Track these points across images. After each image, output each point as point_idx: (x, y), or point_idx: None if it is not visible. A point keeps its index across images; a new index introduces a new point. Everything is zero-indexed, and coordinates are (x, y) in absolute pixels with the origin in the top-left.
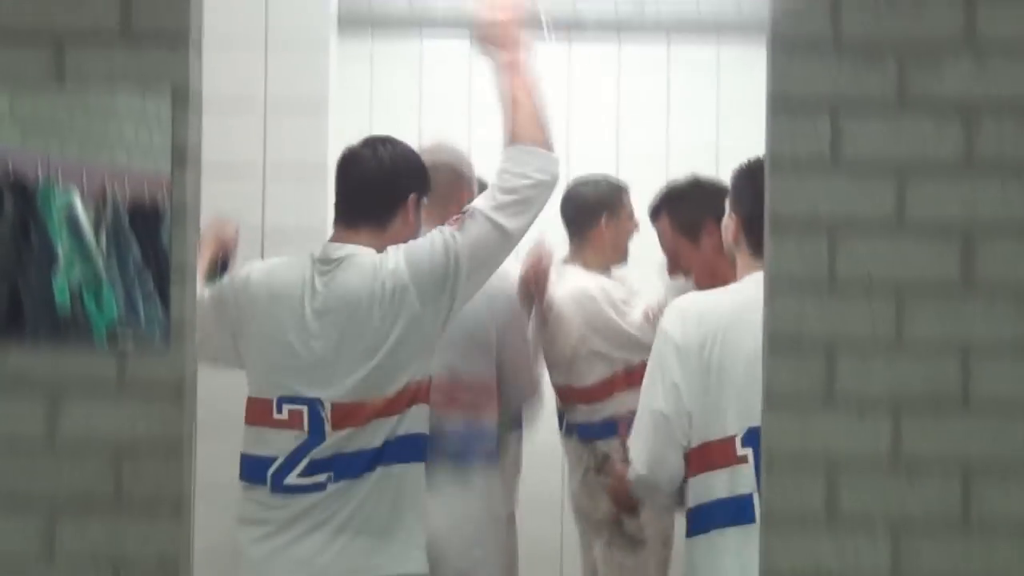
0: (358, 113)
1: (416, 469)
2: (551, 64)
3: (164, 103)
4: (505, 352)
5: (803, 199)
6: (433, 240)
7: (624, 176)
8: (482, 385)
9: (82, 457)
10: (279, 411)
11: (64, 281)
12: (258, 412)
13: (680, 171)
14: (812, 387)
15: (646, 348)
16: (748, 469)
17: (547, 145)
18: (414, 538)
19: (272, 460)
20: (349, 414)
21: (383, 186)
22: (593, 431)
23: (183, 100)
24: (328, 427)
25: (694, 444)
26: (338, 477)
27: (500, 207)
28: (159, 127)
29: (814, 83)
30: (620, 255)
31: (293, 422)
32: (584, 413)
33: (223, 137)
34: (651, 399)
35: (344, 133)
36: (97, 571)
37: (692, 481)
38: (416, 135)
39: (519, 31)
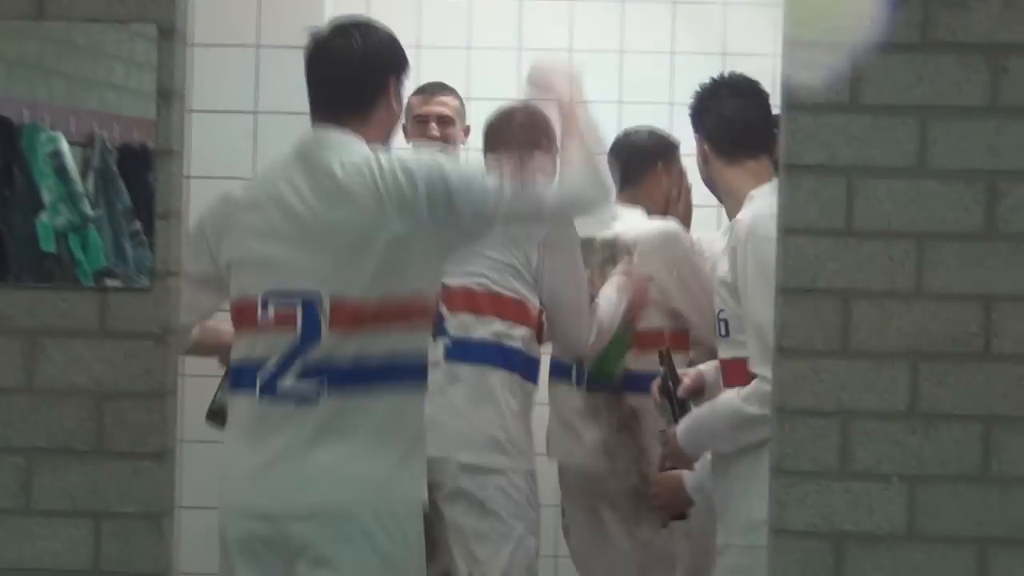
0: None
1: (417, 398)
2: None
3: (151, 43)
4: (547, 278)
5: (820, 141)
6: (484, 176)
7: None
8: (515, 302)
9: (62, 402)
10: (264, 309)
11: (49, 225)
12: (243, 316)
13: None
14: (827, 336)
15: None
16: None
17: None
18: (413, 466)
19: (262, 362)
20: (348, 312)
21: (363, 76)
22: (633, 383)
23: (168, 39)
24: (324, 326)
25: None
26: (332, 388)
27: (552, 200)
28: (147, 68)
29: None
30: (675, 209)
31: (283, 321)
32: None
33: (213, 80)
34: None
35: None
36: (76, 522)
37: None
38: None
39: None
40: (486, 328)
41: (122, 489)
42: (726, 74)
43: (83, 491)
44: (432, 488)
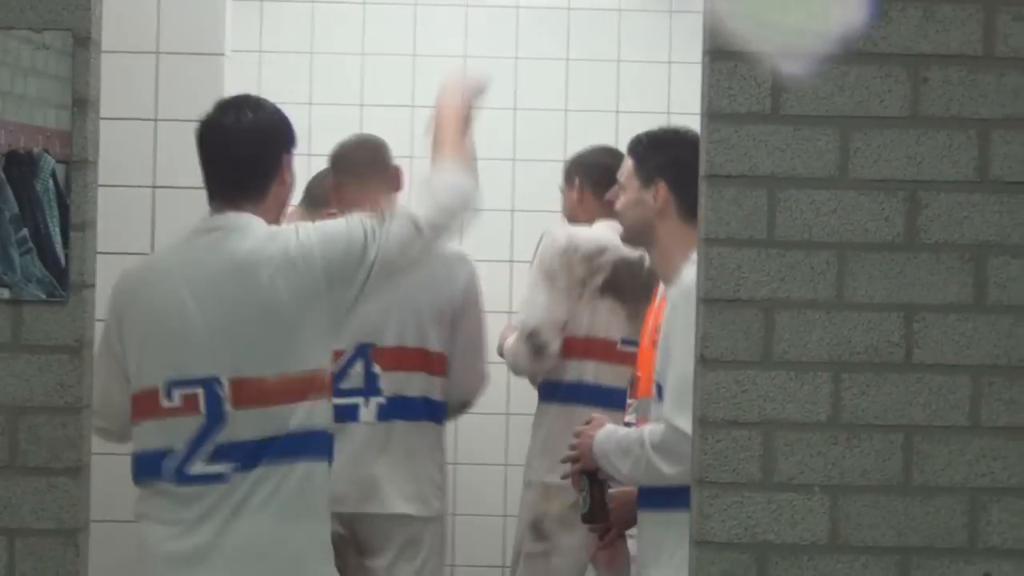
0: (250, 68)
1: (324, 469)
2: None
3: (37, 48)
4: (459, 333)
5: (741, 152)
6: (352, 225)
7: None
8: (438, 356)
9: None
10: (169, 397)
11: None
12: (145, 405)
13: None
14: (749, 347)
15: None
16: None
17: (472, 173)
18: (324, 538)
19: (168, 450)
20: (248, 391)
21: (256, 156)
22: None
23: (84, 47)
24: (228, 406)
25: None
26: (242, 467)
27: (424, 217)
28: (32, 73)
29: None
30: None
31: (188, 407)
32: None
33: (114, 91)
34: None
35: (239, 87)
36: None
37: None
38: (308, 93)
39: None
40: (417, 384)
41: (36, 505)
42: (680, 127)
43: None
44: (369, 545)
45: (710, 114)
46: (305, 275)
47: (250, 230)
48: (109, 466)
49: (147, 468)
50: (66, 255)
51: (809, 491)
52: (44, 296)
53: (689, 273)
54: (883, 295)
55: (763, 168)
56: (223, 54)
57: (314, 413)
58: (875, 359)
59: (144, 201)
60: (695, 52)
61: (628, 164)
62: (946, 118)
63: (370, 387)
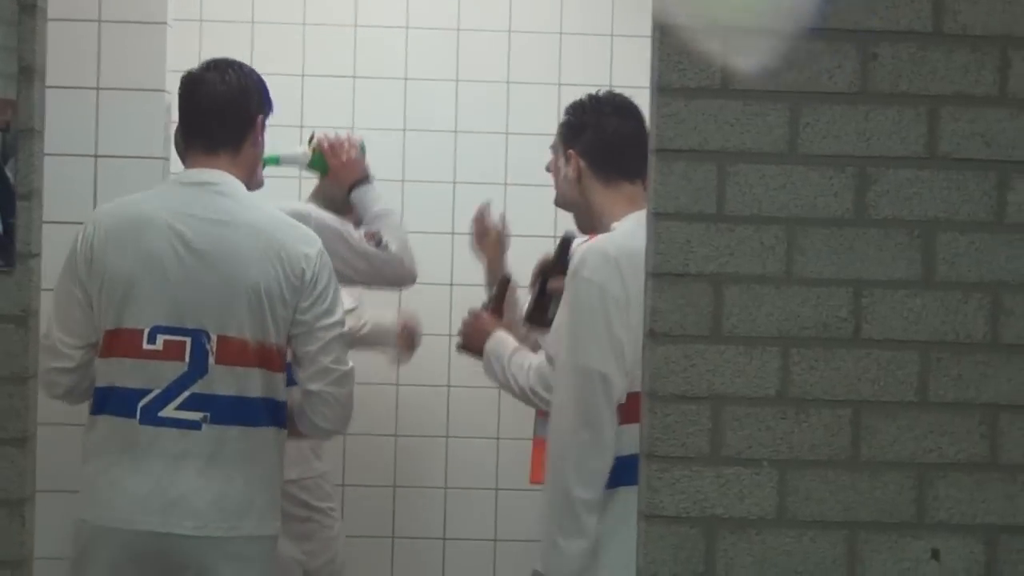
0: (190, 37)
1: (281, 436)
2: None
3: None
4: None
5: (690, 126)
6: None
7: None
8: None
9: None
10: (152, 341)
11: None
12: (122, 344)
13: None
14: (698, 321)
15: None
16: None
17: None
18: (276, 497)
19: (144, 392)
20: (230, 350)
21: (236, 111)
22: None
23: (30, 15)
24: (212, 360)
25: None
26: (214, 419)
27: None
28: None
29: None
30: None
31: (171, 353)
32: None
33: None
34: (581, 356)
35: (180, 56)
36: None
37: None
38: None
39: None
40: None
41: None
42: (602, 92)
43: None
44: None
45: (660, 88)
46: (291, 280)
47: (241, 199)
48: (55, 437)
49: (115, 404)
50: (10, 224)
51: (757, 465)
52: None
53: (586, 246)
54: (832, 270)
55: (713, 143)
56: (165, 23)
57: (276, 383)
58: (824, 334)
59: (86, 170)
60: (638, 25)
61: (557, 131)
62: (895, 94)
63: None
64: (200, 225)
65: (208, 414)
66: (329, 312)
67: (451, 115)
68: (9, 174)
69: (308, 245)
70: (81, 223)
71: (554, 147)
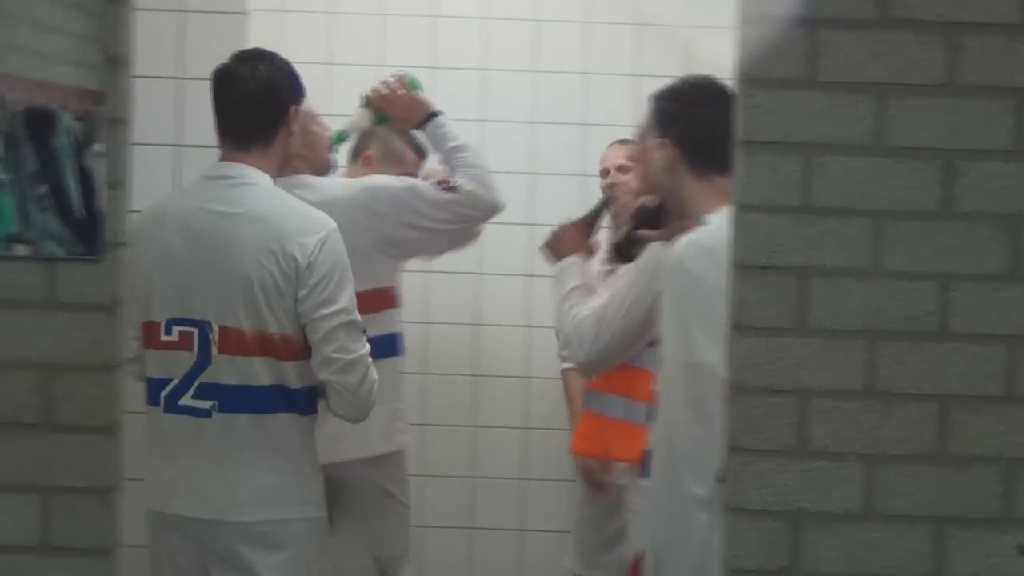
0: (269, 27)
1: (300, 422)
2: None
3: (80, 7)
4: None
5: (777, 117)
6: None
7: None
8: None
9: (8, 375)
10: (168, 333)
11: None
12: (150, 336)
13: None
14: (783, 314)
15: None
16: None
17: None
18: (299, 487)
19: (167, 382)
20: (231, 340)
21: (266, 105)
22: None
23: (116, 4)
24: (214, 349)
25: None
26: (222, 407)
27: None
28: (51, 30)
29: None
30: None
31: (184, 344)
32: None
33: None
34: (690, 351)
35: (260, 47)
36: (24, 497)
37: None
38: (327, 53)
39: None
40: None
41: (70, 463)
42: (698, 78)
43: (31, 465)
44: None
45: (745, 80)
46: (291, 275)
47: (260, 194)
48: (141, 424)
49: (150, 394)
50: (92, 212)
51: (843, 459)
52: (63, 253)
53: (683, 241)
54: (918, 263)
55: (798, 135)
56: (246, 13)
57: (287, 371)
58: (910, 328)
59: (168, 160)
60: (716, 16)
61: (648, 115)
62: (983, 87)
63: None
64: (209, 218)
65: (216, 402)
66: (328, 301)
67: (528, 105)
68: (89, 163)
69: (308, 234)
70: None
71: (641, 133)
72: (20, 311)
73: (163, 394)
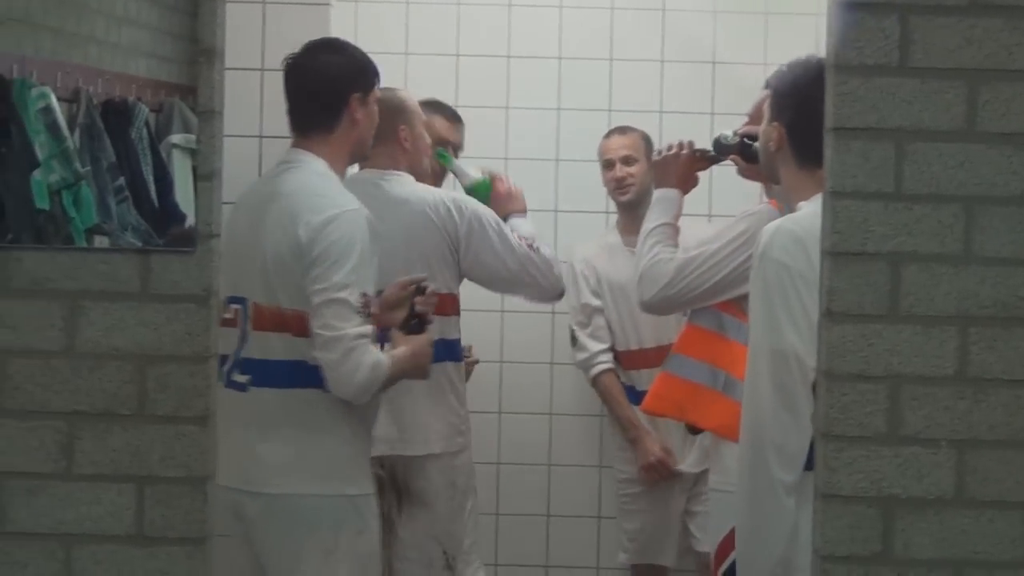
0: (348, 17)
1: (329, 397)
2: None
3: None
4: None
5: (868, 104)
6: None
7: None
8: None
9: (103, 366)
10: (227, 310)
11: (43, 183)
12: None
13: None
14: (876, 301)
15: None
16: None
17: None
18: (329, 463)
19: (225, 358)
20: (264, 317)
21: (324, 93)
22: None
23: None
24: (249, 326)
25: None
26: (254, 382)
27: None
28: (125, 23)
29: None
30: None
31: (235, 320)
32: None
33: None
34: (776, 338)
35: (341, 37)
36: (119, 487)
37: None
38: (404, 43)
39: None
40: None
41: (165, 453)
42: (814, 64)
43: (125, 455)
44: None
45: (837, 66)
46: (304, 259)
47: (310, 175)
48: None
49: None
50: (168, 203)
51: (936, 445)
52: (140, 243)
53: (773, 226)
54: (1011, 249)
55: (890, 121)
56: (328, 3)
57: (305, 347)
58: (1003, 313)
59: (251, 151)
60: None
61: (765, 95)
62: None
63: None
64: (256, 199)
65: (250, 377)
66: (321, 278)
67: (604, 94)
68: (163, 154)
69: (316, 213)
70: None
71: (754, 111)
72: (115, 303)
73: (224, 369)
